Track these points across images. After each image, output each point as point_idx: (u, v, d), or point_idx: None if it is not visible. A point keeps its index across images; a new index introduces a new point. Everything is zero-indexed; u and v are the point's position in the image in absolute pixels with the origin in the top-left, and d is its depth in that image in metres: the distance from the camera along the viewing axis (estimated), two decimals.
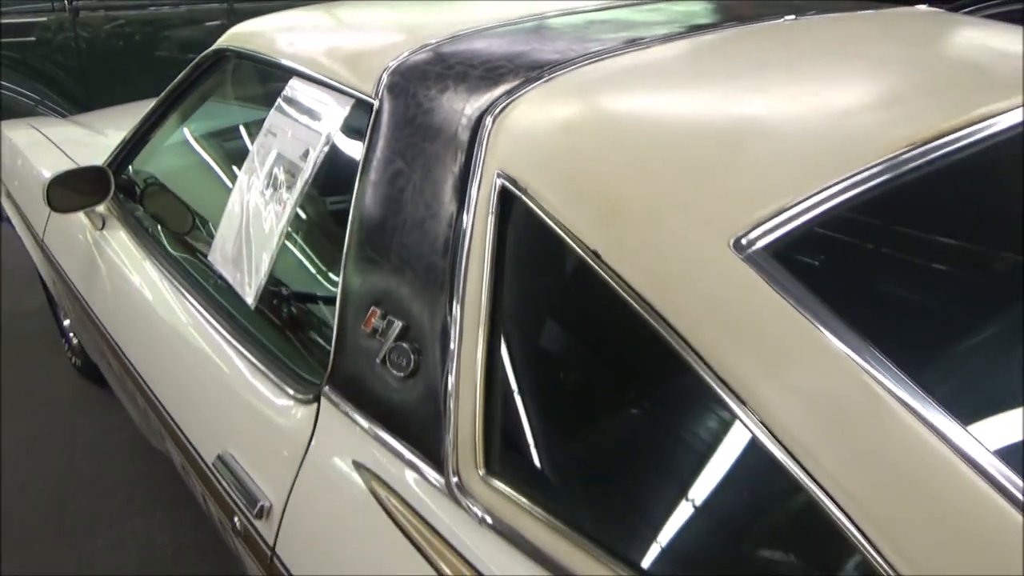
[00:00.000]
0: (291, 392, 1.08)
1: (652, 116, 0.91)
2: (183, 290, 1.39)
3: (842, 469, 0.61)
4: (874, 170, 0.80)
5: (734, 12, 1.32)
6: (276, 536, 1.02)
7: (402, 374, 0.91)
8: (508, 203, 0.87)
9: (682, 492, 0.75)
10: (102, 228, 1.70)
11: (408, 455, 0.89)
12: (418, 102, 1.01)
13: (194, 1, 4.23)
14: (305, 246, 1.32)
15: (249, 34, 1.46)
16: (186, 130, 1.81)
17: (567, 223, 0.80)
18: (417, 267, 0.92)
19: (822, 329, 0.66)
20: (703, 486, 0.74)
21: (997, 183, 0.93)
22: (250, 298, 1.22)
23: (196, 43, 3.94)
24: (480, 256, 0.86)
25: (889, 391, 0.63)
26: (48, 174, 1.59)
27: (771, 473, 0.65)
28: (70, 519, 2.13)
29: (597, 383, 0.86)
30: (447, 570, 0.81)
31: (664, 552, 0.73)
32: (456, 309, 0.87)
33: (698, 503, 0.74)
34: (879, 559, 0.58)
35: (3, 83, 3.99)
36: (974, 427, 0.62)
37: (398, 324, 0.93)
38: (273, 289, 1.25)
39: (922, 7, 1.49)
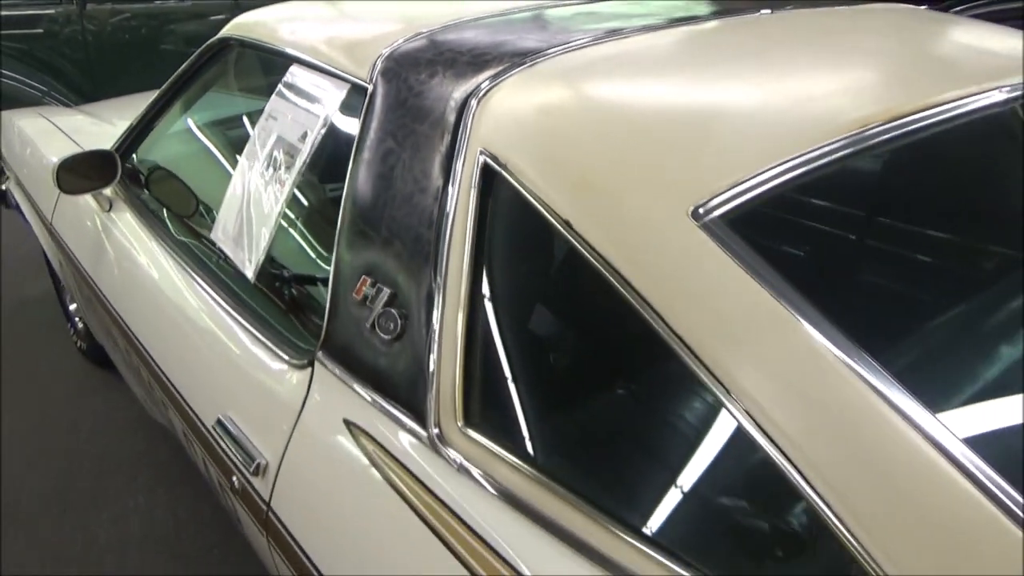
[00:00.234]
0: (287, 358, 1.15)
1: (624, 98, 0.98)
2: (186, 267, 1.46)
3: (790, 420, 0.67)
4: (828, 148, 0.87)
5: (714, 6, 1.38)
6: (271, 492, 1.08)
7: (389, 337, 0.98)
8: (490, 178, 0.93)
9: (639, 437, 0.81)
10: (109, 210, 1.77)
11: (394, 412, 0.96)
12: (409, 86, 1.08)
13: None
14: (302, 223, 1.39)
15: (252, 24, 1.53)
16: (190, 117, 1.88)
17: (542, 195, 0.87)
18: (405, 238, 0.99)
19: (770, 291, 0.73)
20: (661, 434, 0.80)
21: (949, 165, 1.00)
22: (250, 272, 1.29)
23: (201, 37, 3.98)
24: (463, 227, 0.93)
25: (829, 349, 0.69)
26: (57, 160, 1.66)
27: (723, 421, 0.71)
28: (75, 495, 2.20)
29: (568, 344, 0.93)
30: (428, 515, 0.87)
31: (622, 491, 0.80)
32: (440, 276, 0.93)
33: (655, 449, 0.80)
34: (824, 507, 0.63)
35: (11, 74, 4.06)
36: (922, 394, 0.67)
37: (386, 291, 0.99)
38: (271, 264, 1.32)
39: (899, 4, 1.55)
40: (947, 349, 0.83)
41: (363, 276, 1.04)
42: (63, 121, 2.41)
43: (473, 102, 0.99)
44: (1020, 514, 0.59)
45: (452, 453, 0.88)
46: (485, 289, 0.92)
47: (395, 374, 0.97)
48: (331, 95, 1.24)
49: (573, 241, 0.83)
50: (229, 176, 1.45)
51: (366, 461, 0.96)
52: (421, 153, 1.01)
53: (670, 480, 0.80)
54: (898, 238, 0.92)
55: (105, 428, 2.47)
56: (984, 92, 1.04)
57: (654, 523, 0.77)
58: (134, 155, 1.85)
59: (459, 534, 0.84)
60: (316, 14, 1.52)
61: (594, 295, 0.85)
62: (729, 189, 0.81)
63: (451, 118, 1.00)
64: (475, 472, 0.86)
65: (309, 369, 1.10)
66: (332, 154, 1.25)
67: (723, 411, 0.70)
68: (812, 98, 0.98)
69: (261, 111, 1.39)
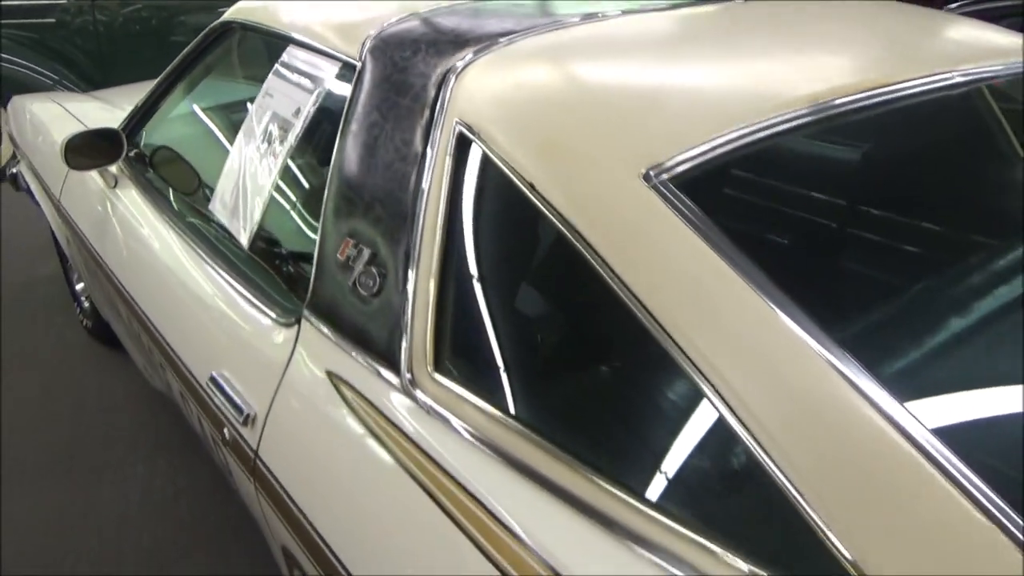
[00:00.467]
0: (276, 317, 1.22)
1: (589, 74, 1.05)
2: (186, 238, 1.54)
3: (731, 368, 0.74)
4: (773, 121, 0.94)
5: None
6: (259, 440, 1.16)
7: (368, 294, 1.05)
8: (464, 146, 1.01)
9: (591, 380, 0.89)
10: (115, 187, 1.85)
11: (371, 362, 1.03)
12: (394, 63, 1.16)
13: None
14: (293, 194, 1.46)
15: (253, 7, 1.61)
16: (193, 98, 1.96)
17: (510, 160, 0.94)
18: (386, 202, 1.06)
19: (713, 248, 0.80)
20: (612, 376, 0.88)
21: (899, 143, 1.07)
22: (244, 240, 1.37)
23: None
24: (438, 192, 1.01)
25: (766, 302, 0.76)
26: (65, 137, 1.74)
27: (669, 367, 0.78)
28: (77, 464, 2.28)
29: (531, 298, 1.00)
30: (400, 454, 0.95)
31: (575, 429, 0.87)
32: (416, 237, 1.01)
33: (605, 389, 0.88)
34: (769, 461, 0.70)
35: (23, 62, 4.16)
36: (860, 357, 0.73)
37: (367, 252, 1.07)
38: (264, 232, 1.40)
39: None
40: (873, 303, 0.90)
41: (347, 238, 1.11)
42: (74, 106, 2.50)
43: (451, 77, 1.06)
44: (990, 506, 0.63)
45: (422, 396, 0.96)
46: (457, 249, 0.99)
47: (373, 328, 1.04)
48: (323, 73, 1.31)
49: (537, 202, 0.90)
50: (228, 153, 1.53)
51: (345, 408, 1.04)
52: (403, 124, 1.09)
53: (624, 418, 0.87)
54: (841, 212, 0.99)
55: (108, 402, 2.55)
56: (938, 75, 1.11)
57: (599, 454, 0.84)
58: (139, 134, 1.93)
59: (429, 471, 0.91)
60: None
61: (556, 252, 0.93)
62: (678, 155, 0.88)
63: (431, 92, 1.07)
64: (443, 412, 0.93)
65: (296, 326, 1.18)
66: (323, 128, 1.32)
67: (670, 357, 0.77)
68: (767, 77, 1.05)
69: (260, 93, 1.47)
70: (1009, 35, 1.48)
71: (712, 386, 0.74)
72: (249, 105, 1.52)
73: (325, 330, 1.12)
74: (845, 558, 0.64)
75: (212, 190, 1.57)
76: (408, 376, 0.97)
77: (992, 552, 0.61)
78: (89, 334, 2.85)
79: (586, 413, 0.90)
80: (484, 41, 1.12)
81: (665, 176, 0.86)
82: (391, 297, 1.02)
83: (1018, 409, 0.81)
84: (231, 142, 1.56)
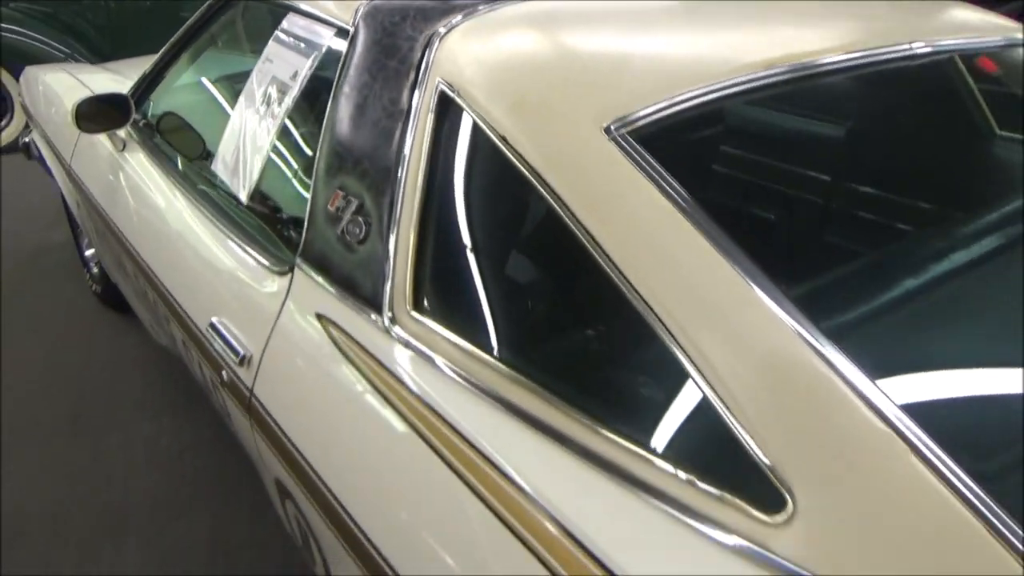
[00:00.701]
0: (271, 266, 1.31)
1: (561, 37, 1.13)
2: (189, 197, 1.62)
3: (678, 307, 0.81)
4: (729, 83, 1.01)
5: None
6: (255, 379, 1.25)
7: (355, 241, 1.13)
8: (445, 104, 1.09)
9: (552, 312, 0.97)
10: (123, 150, 1.93)
11: (357, 304, 1.12)
12: (384, 28, 1.23)
13: None
14: (289, 152, 1.54)
15: None
16: (198, 66, 2.04)
17: (486, 115, 1.02)
18: (373, 157, 1.14)
19: (664, 195, 0.88)
20: (572, 311, 0.96)
21: (841, 108, 1.14)
22: (243, 196, 1.45)
23: None
24: (420, 146, 1.09)
25: (709, 237, 0.83)
26: (76, 101, 1.82)
27: (623, 302, 0.86)
28: (85, 421, 2.38)
29: (503, 243, 1.08)
30: (381, 385, 1.03)
31: (534, 355, 0.96)
32: (399, 188, 1.09)
33: (567, 322, 0.96)
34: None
35: (37, 36, 4.25)
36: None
37: (355, 203, 1.15)
38: (261, 188, 1.48)
39: None
40: (814, 259, 0.98)
41: (337, 191, 1.19)
42: (85, 76, 2.58)
43: (436, 40, 1.14)
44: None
45: (401, 332, 1.04)
46: (436, 199, 1.07)
47: (359, 273, 1.13)
48: (320, 38, 1.39)
49: (509, 154, 0.98)
50: (230, 117, 1.61)
51: (333, 346, 1.12)
52: (390, 84, 1.16)
53: (582, 345, 0.96)
54: (790, 175, 1.07)
55: (116, 363, 2.64)
56: (900, 45, 1.18)
57: (560, 381, 0.92)
58: (146, 101, 2.01)
59: (407, 400, 1.00)
60: None
61: (526, 202, 1.01)
62: (638, 111, 0.96)
63: (417, 54, 1.15)
64: (420, 347, 1.02)
65: (289, 275, 1.26)
66: (318, 90, 1.40)
67: (624, 295, 0.85)
68: (729, 42, 1.12)
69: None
70: (982, 13, 1.54)
71: (663, 324, 0.82)
72: (251, 72, 1.60)
73: (316, 277, 1.21)
74: (764, 464, 0.73)
75: (214, 152, 1.65)
76: (389, 315, 1.06)
77: (919, 489, 0.67)
78: (98, 299, 2.94)
79: (550, 347, 0.99)
80: (467, 8, 1.19)
81: (625, 130, 0.94)
82: (375, 244, 1.11)
83: (962, 359, 0.89)
84: (233, 107, 1.64)
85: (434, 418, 0.96)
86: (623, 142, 0.93)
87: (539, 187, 0.94)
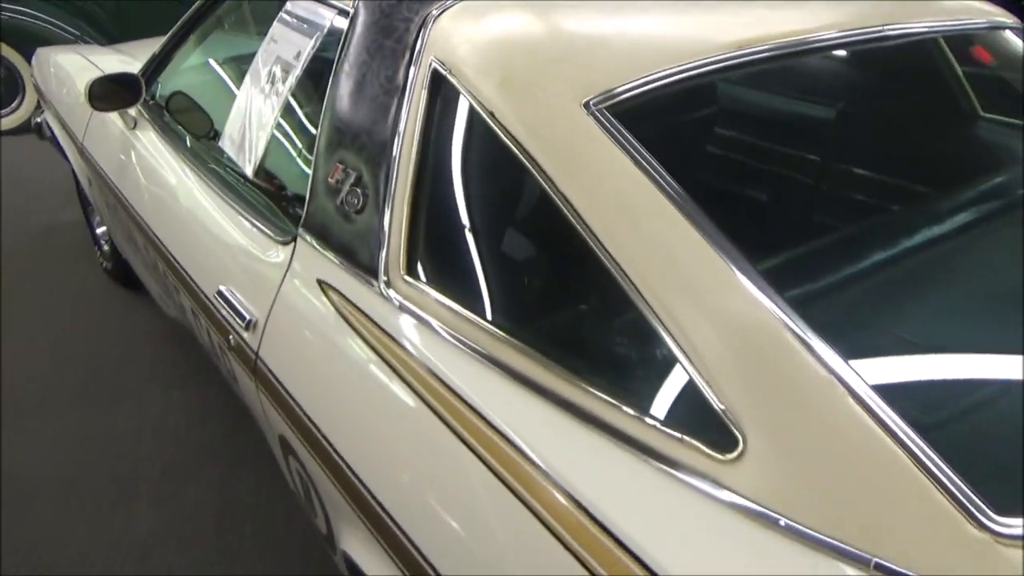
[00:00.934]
0: (275, 236, 1.38)
1: (546, 19, 1.19)
2: (198, 172, 1.70)
3: (649, 271, 0.88)
4: (704, 61, 1.08)
5: None
6: (260, 342, 1.32)
7: (353, 211, 1.21)
8: (438, 82, 1.15)
9: (536, 276, 1.04)
10: (134, 128, 2.01)
11: (355, 270, 1.19)
12: (382, 10, 1.30)
13: None
14: (292, 129, 1.62)
15: None
16: (205, 48, 2.11)
17: (475, 91, 1.09)
18: (370, 131, 1.21)
19: (638, 167, 0.95)
20: (553, 273, 1.03)
21: (814, 86, 1.20)
22: (249, 171, 1.53)
23: None
24: (414, 121, 1.16)
25: (678, 210, 0.90)
26: (89, 81, 1.90)
27: (599, 265, 0.93)
28: (96, 392, 2.46)
29: (491, 211, 1.16)
30: (377, 344, 1.11)
31: (519, 315, 1.03)
32: (395, 160, 1.16)
33: (548, 283, 1.03)
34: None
35: (48, 18, 4.32)
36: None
37: (353, 174, 1.22)
38: (266, 163, 1.55)
39: None
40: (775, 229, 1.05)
41: (336, 164, 1.26)
42: (96, 58, 2.65)
43: (430, 21, 1.21)
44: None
45: (395, 295, 1.12)
46: (428, 171, 1.15)
47: (356, 241, 1.20)
48: (322, 19, 1.46)
49: (496, 128, 1.05)
50: (236, 96, 1.68)
51: (332, 309, 1.20)
52: (387, 63, 1.23)
53: (557, 303, 1.03)
54: (761, 149, 1.14)
55: (126, 338, 2.73)
56: (878, 27, 1.24)
57: (541, 338, 1.00)
58: (156, 81, 2.08)
59: (400, 357, 1.07)
60: None
61: (512, 172, 1.08)
62: (616, 88, 1.03)
63: (412, 34, 1.22)
64: (412, 308, 1.09)
65: (292, 244, 1.34)
66: (320, 69, 1.47)
67: (599, 259, 0.92)
68: (706, 24, 1.19)
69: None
70: None
71: (633, 285, 0.89)
72: (256, 53, 1.67)
73: (316, 245, 1.28)
74: (720, 409, 0.80)
75: (221, 129, 1.72)
76: (384, 279, 1.13)
77: (853, 427, 0.74)
78: (108, 276, 3.03)
79: (532, 307, 1.06)
80: None
81: (603, 105, 1.01)
82: (372, 214, 1.18)
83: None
84: (239, 87, 1.71)
85: (424, 372, 1.04)
86: (600, 116, 1.00)
87: (523, 159, 1.01)
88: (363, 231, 1.19)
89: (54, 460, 2.18)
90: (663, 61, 1.07)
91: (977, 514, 0.68)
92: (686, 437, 0.82)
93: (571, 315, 1.01)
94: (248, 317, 1.35)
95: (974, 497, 0.69)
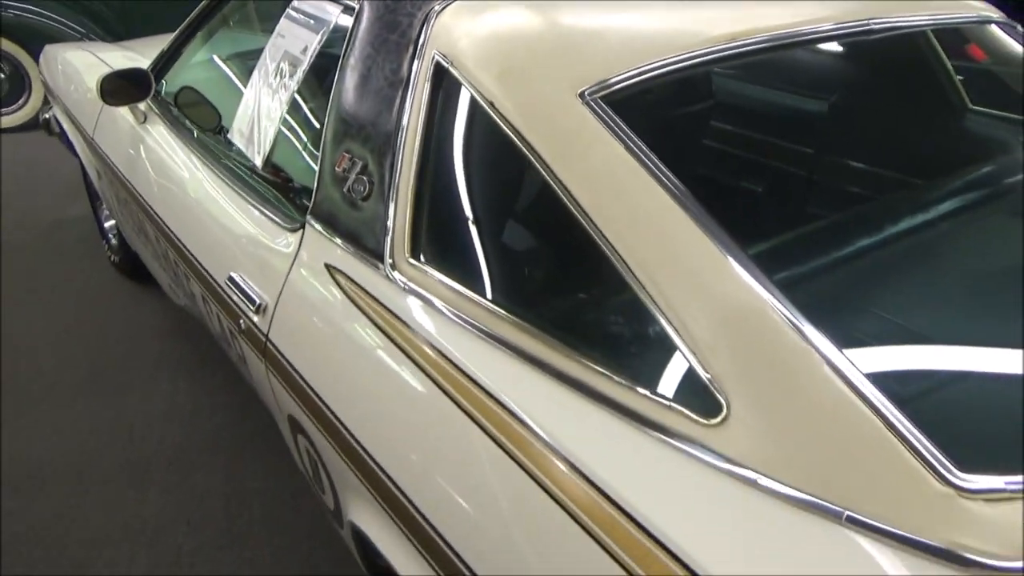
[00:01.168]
0: (284, 224, 1.44)
1: (544, 13, 1.24)
2: (207, 163, 1.75)
3: (640, 247, 0.94)
4: (696, 53, 1.13)
5: None
6: (270, 324, 1.38)
7: (359, 198, 1.26)
8: (440, 74, 1.21)
9: (535, 258, 1.09)
10: (144, 122, 2.06)
11: (361, 254, 1.25)
12: (387, 5, 1.36)
13: None
14: (299, 121, 1.67)
15: None
16: (212, 45, 2.16)
17: (476, 83, 1.14)
18: (376, 121, 1.27)
19: (630, 153, 1.00)
20: (550, 254, 1.08)
21: (803, 78, 1.26)
22: (258, 161, 1.58)
23: None
24: (417, 111, 1.21)
25: (669, 195, 0.96)
26: (100, 76, 1.95)
27: (593, 245, 0.98)
28: (105, 382, 2.51)
29: (491, 197, 1.21)
30: (382, 323, 1.16)
31: (518, 293, 1.08)
32: (399, 149, 1.22)
33: (545, 264, 1.08)
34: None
35: (54, 16, 4.38)
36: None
37: (360, 163, 1.28)
38: (274, 154, 1.61)
39: None
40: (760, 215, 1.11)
41: (343, 153, 1.32)
42: (103, 54, 2.71)
43: (433, 16, 1.26)
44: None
45: (400, 277, 1.17)
46: (431, 159, 1.20)
47: (362, 227, 1.25)
48: (328, 15, 1.51)
49: (495, 117, 1.11)
50: (244, 90, 1.74)
51: (339, 292, 1.25)
52: (391, 56, 1.29)
53: (555, 281, 1.08)
54: (746, 138, 1.19)
55: (134, 329, 2.78)
56: (866, 20, 1.29)
57: (542, 316, 1.05)
58: (165, 76, 2.14)
59: (406, 336, 1.13)
60: None
61: (511, 160, 1.13)
62: (609, 79, 1.08)
63: (416, 29, 1.27)
64: (416, 289, 1.15)
65: (300, 231, 1.39)
66: (326, 63, 1.53)
67: (593, 240, 0.98)
68: (699, 18, 1.24)
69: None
70: None
71: (624, 262, 0.95)
72: (263, 48, 1.72)
73: (324, 231, 1.34)
74: (706, 377, 0.85)
75: (229, 123, 1.78)
76: (390, 262, 1.19)
77: (828, 393, 0.80)
78: (116, 269, 3.08)
79: (530, 286, 1.12)
80: None
81: (597, 95, 1.07)
82: (377, 201, 1.23)
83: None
84: (246, 81, 1.77)
85: (428, 349, 1.09)
86: (595, 106, 1.05)
87: (521, 146, 1.06)
88: (369, 217, 1.24)
89: (65, 448, 2.24)
90: (655, 53, 1.12)
91: (942, 471, 0.74)
92: (675, 404, 0.87)
93: (567, 294, 1.07)
94: (259, 301, 1.40)
95: (940, 456, 0.75)
